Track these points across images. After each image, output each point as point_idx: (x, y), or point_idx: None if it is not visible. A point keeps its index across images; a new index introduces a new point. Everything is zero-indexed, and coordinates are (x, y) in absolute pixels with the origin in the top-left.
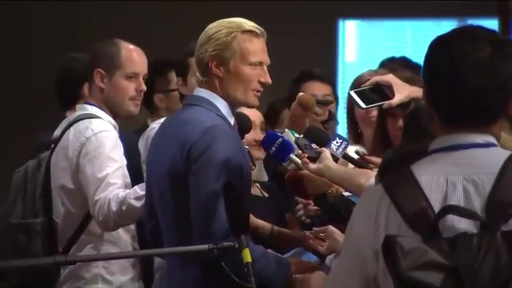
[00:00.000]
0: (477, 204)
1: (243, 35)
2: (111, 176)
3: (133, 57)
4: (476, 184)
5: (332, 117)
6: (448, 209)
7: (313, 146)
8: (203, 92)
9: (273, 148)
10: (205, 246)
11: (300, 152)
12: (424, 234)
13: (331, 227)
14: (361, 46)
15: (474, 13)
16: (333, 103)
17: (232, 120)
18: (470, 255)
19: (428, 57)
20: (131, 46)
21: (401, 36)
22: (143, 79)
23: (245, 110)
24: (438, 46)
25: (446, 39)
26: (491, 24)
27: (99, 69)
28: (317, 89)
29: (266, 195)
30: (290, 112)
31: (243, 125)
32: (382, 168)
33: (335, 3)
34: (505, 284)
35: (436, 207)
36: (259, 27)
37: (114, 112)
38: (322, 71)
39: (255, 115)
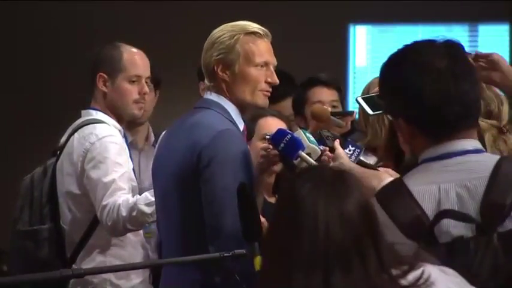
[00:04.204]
0: (471, 209)
1: (246, 37)
2: (118, 180)
3: (136, 60)
4: (469, 189)
5: (356, 128)
6: (443, 214)
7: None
8: (213, 96)
9: (282, 145)
10: (216, 255)
11: (318, 148)
12: (420, 241)
13: None
14: (372, 51)
15: (485, 18)
16: (352, 115)
17: (241, 126)
18: (469, 258)
19: (399, 78)
20: (133, 49)
21: (412, 41)
22: (146, 82)
23: (269, 121)
24: (409, 65)
25: (413, 57)
26: (502, 28)
27: (102, 74)
28: (324, 94)
29: None
30: (310, 128)
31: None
32: (404, 173)
33: (346, 8)
34: (505, 284)
35: (430, 214)
36: (263, 28)
37: (118, 116)
38: (329, 77)
39: (278, 126)
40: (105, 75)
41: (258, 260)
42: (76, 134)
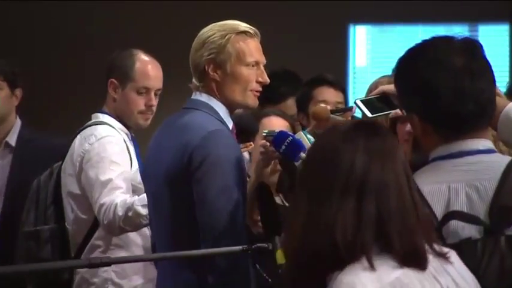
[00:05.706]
0: (480, 210)
1: (237, 37)
2: (116, 179)
3: (148, 71)
4: (479, 190)
5: None
6: (451, 215)
7: None
8: (203, 96)
9: (283, 147)
10: (238, 248)
11: None
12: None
13: None
14: (372, 51)
15: (485, 18)
16: (351, 110)
17: (230, 124)
18: (475, 260)
19: (415, 75)
20: (147, 59)
21: (412, 41)
22: (155, 94)
23: (273, 120)
24: (426, 61)
25: (430, 54)
26: (502, 28)
27: (113, 80)
28: (329, 94)
29: (287, 204)
30: (310, 129)
31: (249, 128)
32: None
33: (346, 8)
34: (511, 287)
35: (439, 214)
36: (252, 27)
37: (124, 123)
38: (335, 77)
39: (282, 125)
40: (115, 82)
41: (279, 254)
42: (78, 136)
